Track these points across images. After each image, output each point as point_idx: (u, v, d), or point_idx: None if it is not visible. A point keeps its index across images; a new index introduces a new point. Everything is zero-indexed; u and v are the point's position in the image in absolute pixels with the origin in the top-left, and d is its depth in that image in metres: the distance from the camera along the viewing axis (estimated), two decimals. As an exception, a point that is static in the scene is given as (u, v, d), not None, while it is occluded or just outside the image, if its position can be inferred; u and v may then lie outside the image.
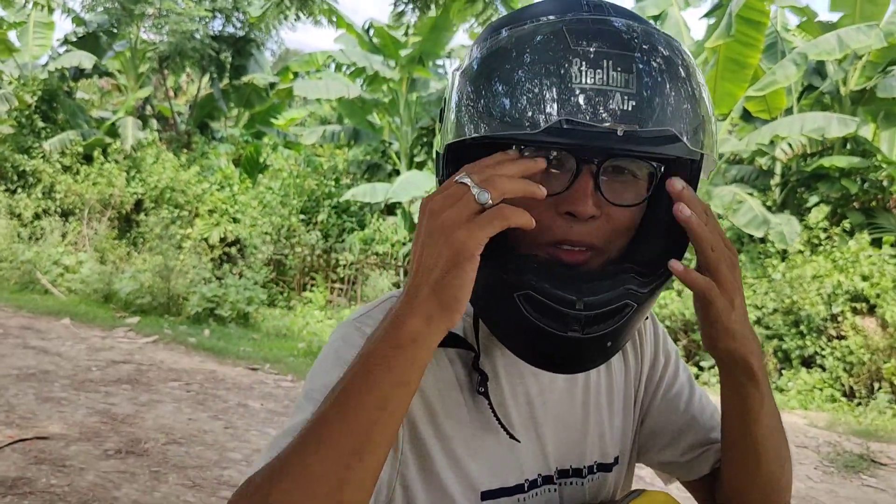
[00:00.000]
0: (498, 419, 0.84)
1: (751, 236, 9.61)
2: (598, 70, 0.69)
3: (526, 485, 0.87)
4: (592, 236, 0.76)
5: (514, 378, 0.89)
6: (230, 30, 14.97)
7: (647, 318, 1.00)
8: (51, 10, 14.30)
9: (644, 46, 0.72)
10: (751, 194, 10.10)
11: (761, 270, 9.44)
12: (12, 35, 14.84)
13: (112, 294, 10.24)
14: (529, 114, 0.70)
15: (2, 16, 14.83)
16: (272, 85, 15.28)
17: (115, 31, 14.70)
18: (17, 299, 9.87)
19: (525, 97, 0.70)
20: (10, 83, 13.93)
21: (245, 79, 14.88)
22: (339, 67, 13.47)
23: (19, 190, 12.99)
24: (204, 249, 12.09)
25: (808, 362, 8.76)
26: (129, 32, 14.67)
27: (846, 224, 9.65)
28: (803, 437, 6.39)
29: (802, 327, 8.76)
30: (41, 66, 14.86)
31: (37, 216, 12.70)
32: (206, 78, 15.23)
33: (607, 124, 0.69)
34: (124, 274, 10.64)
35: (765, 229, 9.25)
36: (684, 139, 0.72)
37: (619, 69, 0.70)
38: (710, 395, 1.01)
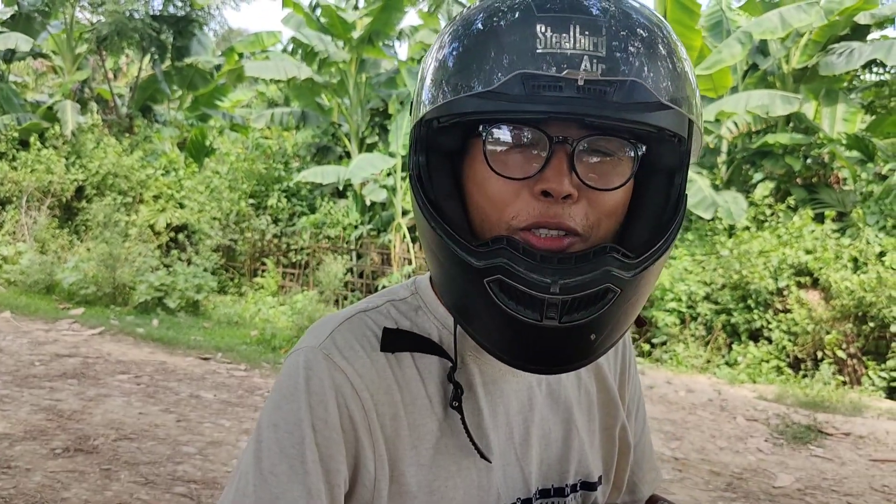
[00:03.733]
0: (470, 437, 0.78)
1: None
2: (564, 34, 0.65)
3: None
4: (571, 219, 0.70)
5: (493, 397, 0.83)
6: (171, 10, 14.51)
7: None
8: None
9: (616, 12, 0.68)
10: (699, 173, 10.26)
11: (710, 247, 9.62)
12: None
13: (54, 285, 9.92)
14: (483, 75, 0.67)
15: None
16: (218, 66, 14.89)
17: (48, 10, 14.11)
18: (-47, 293, 9.49)
19: (483, 62, 0.67)
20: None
21: (189, 61, 14.45)
22: (294, 52, 13.15)
23: (-50, 178, 12.43)
24: (150, 237, 11.77)
25: (755, 336, 8.98)
26: (64, 12, 14.09)
27: (790, 200, 9.89)
28: (753, 411, 6.55)
29: (750, 301, 8.97)
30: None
31: (-29, 205, 12.18)
32: (146, 59, 14.76)
33: (565, 72, 0.64)
34: (67, 264, 10.30)
35: (713, 211, 9.44)
36: (672, 105, 0.67)
37: (586, 33, 0.65)
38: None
